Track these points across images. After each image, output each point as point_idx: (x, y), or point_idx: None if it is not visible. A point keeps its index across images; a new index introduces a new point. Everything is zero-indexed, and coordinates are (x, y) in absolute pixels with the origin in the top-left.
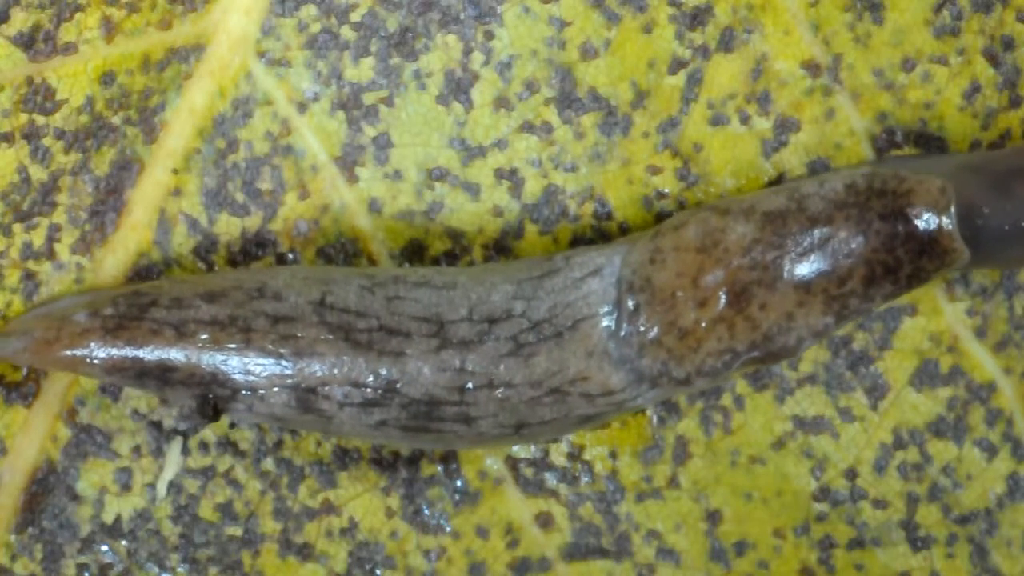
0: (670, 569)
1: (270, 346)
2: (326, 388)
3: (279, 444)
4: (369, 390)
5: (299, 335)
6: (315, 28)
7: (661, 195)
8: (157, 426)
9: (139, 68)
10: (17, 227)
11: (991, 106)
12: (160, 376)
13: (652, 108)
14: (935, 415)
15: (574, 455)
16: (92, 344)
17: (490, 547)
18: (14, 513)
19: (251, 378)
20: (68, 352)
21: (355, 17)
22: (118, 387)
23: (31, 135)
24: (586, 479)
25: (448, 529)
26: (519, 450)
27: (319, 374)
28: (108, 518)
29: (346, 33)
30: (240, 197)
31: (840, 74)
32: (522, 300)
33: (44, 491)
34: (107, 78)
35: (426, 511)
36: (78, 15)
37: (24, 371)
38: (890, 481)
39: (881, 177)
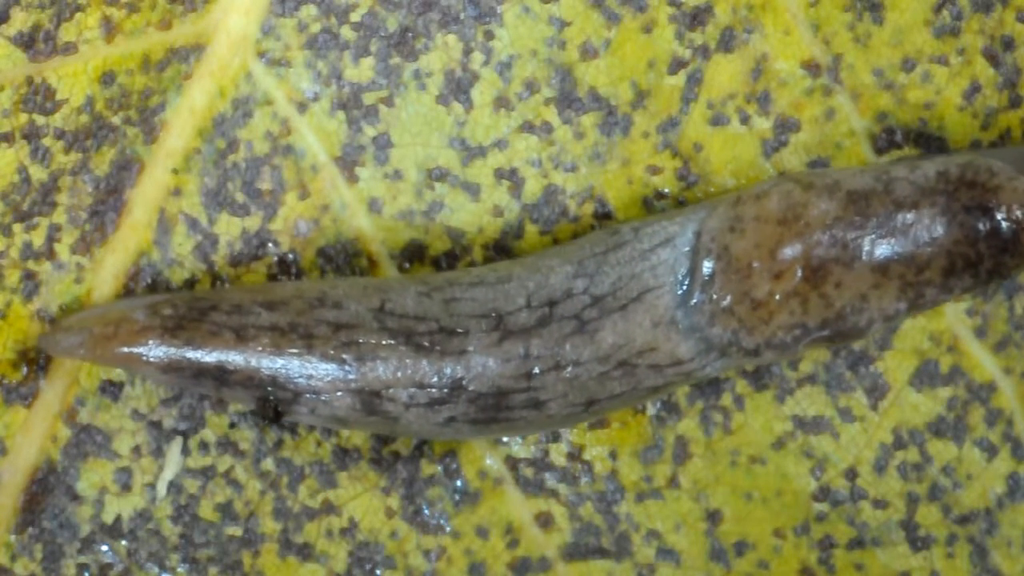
0: (670, 569)
1: (332, 351)
2: (391, 391)
3: (279, 444)
4: (434, 390)
5: (361, 341)
6: (315, 28)
7: (661, 195)
8: (157, 426)
9: (139, 68)
10: (17, 227)
11: (991, 106)
12: (218, 377)
13: (652, 108)
14: (935, 415)
15: (574, 455)
16: (150, 342)
17: (490, 547)
18: (14, 513)
19: (314, 382)
20: (125, 349)
21: (355, 17)
22: (119, 388)
23: (31, 135)
24: (586, 479)
25: (448, 529)
26: (519, 450)
27: (383, 378)
28: (108, 518)
29: (346, 33)
30: (240, 197)
31: (840, 74)
32: (584, 278)
33: (44, 491)
34: (107, 78)
35: (426, 511)
36: (78, 15)
37: (24, 371)
38: (890, 481)
39: (974, 168)
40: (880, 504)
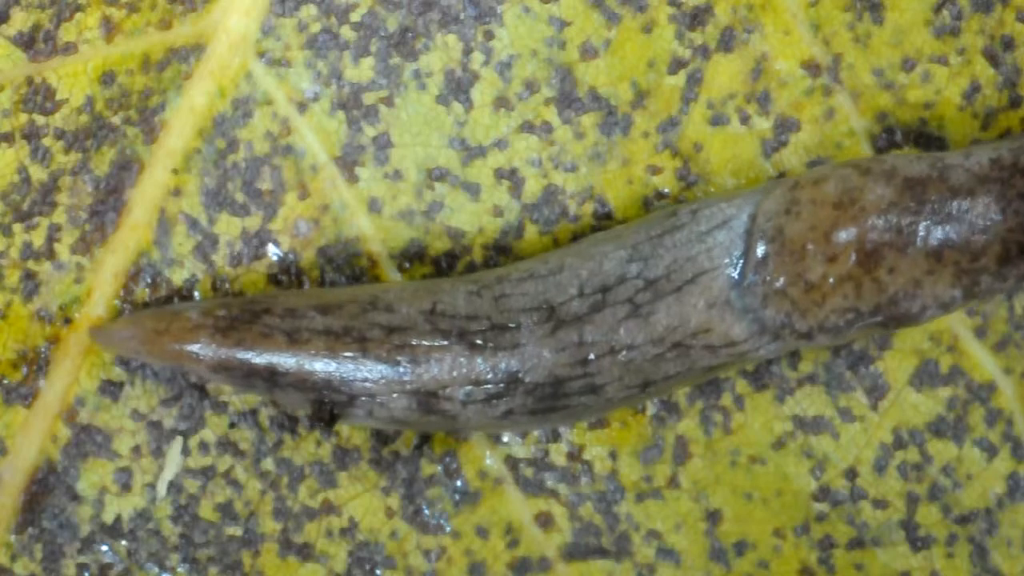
0: (670, 569)
1: (386, 354)
2: (447, 390)
3: (279, 444)
4: (491, 385)
5: (414, 343)
6: (315, 28)
7: (661, 195)
8: (157, 426)
9: (139, 68)
10: (17, 227)
11: (991, 106)
12: (269, 379)
13: (652, 108)
14: (935, 415)
15: (574, 455)
16: (201, 340)
17: (490, 547)
18: (14, 513)
19: (369, 385)
20: (176, 345)
21: (355, 17)
22: (119, 388)
23: (31, 135)
24: (586, 479)
25: (448, 529)
26: (519, 450)
27: (439, 378)
28: (108, 518)
29: (346, 33)
30: (240, 197)
31: (840, 74)
32: (638, 262)
33: (44, 491)
34: (107, 78)
35: (426, 511)
36: (78, 15)
37: (24, 371)
38: (890, 481)
39: None
40: (880, 504)
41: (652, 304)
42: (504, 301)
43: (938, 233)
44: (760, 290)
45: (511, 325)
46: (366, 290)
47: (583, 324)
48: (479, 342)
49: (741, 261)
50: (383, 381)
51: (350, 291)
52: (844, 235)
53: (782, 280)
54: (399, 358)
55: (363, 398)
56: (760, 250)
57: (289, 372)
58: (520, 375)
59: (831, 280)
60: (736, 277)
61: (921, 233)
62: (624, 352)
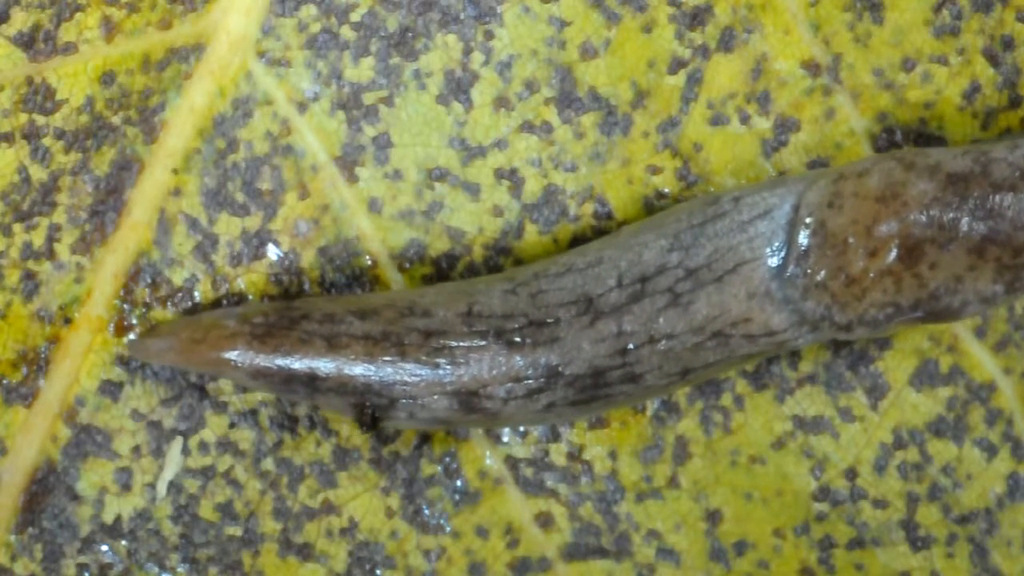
0: (670, 569)
1: (425, 357)
2: (487, 389)
3: (279, 444)
4: (531, 381)
5: (453, 344)
6: (315, 28)
7: (661, 195)
8: (157, 426)
9: (139, 68)
10: (17, 227)
11: (991, 106)
12: (309, 384)
13: (652, 108)
14: (935, 415)
15: (574, 455)
16: (239, 348)
17: (490, 547)
18: (14, 513)
19: (410, 388)
20: (214, 353)
21: (355, 17)
22: (119, 388)
23: (31, 135)
24: (586, 479)
25: (448, 529)
26: (519, 450)
27: (479, 377)
28: (108, 518)
29: (346, 33)
30: (240, 197)
31: (840, 74)
32: (679, 251)
33: (44, 491)
34: (107, 78)
35: (426, 511)
36: (78, 15)
37: (24, 371)
38: (890, 481)
39: None
40: (880, 504)
41: (692, 293)
42: (541, 297)
43: (980, 228)
44: (801, 282)
45: (549, 320)
46: (403, 295)
47: (622, 314)
48: (517, 339)
49: (783, 252)
50: (423, 383)
51: (386, 296)
52: (886, 229)
53: (823, 273)
54: (438, 360)
55: (404, 401)
56: (802, 243)
57: (329, 377)
58: (560, 368)
59: (872, 274)
60: (777, 268)
61: (963, 228)
62: (663, 341)
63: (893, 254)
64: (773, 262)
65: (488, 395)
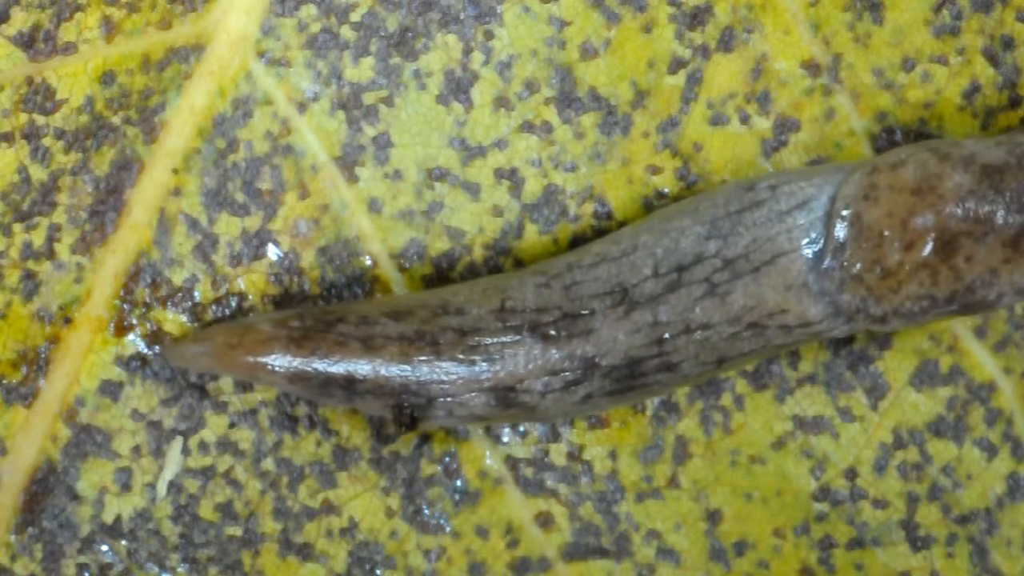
0: (670, 569)
1: (461, 355)
2: (525, 383)
3: (279, 444)
4: (568, 373)
5: (488, 342)
6: (315, 28)
7: (661, 195)
8: (157, 426)
9: (139, 68)
10: (17, 227)
11: (991, 106)
12: (346, 387)
13: (652, 108)
14: (935, 415)
15: (574, 455)
16: (275, 352)
17: (490, 547)
18: (14, 513)
19: (447, 386)
20: (250, 358)
21: (355, 17)
22: (119, 388)
23: (31, 135)
24: (586, 479)
25: (448, 529)
26: (519, 450)
27: (515, 372)
28: (108, 518)
29: (346, 33)
30: (240, 197)
31: (840, 74)
32: (717, 239)
33: (44, 491)
34: (107, 78)
35: (426, 511)
36: (78, 15)
37: (24, 371)
38: (890, 481)
39: None
40: (880, 504)
41: (729, 284)
42: (575, 289)
43: (1016, 221)
44: (837, 275)
45: (583, 312)
46: (435, 295)
47: (657, 304)
48: (552, 333)
49: (820, 244)
50: (460, 381)
51: (419, 297)
52: (921, 222)
53: (859, 266)
54: (474, 357)
55: (442, 399)
56: (839, 235)
57: (367, 379)
58: (596, 359)
59: (907, 267)
60: (814, 260)
61: (999, 221)
62: (699, 331)
63: (929, 247)
64: (810, 254)
65: (525, 389)
